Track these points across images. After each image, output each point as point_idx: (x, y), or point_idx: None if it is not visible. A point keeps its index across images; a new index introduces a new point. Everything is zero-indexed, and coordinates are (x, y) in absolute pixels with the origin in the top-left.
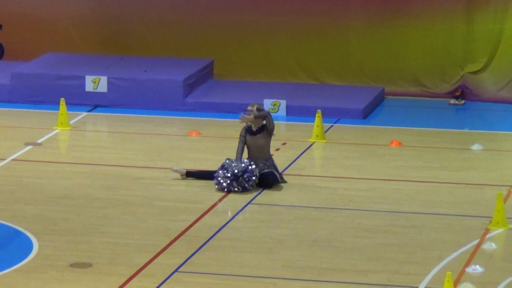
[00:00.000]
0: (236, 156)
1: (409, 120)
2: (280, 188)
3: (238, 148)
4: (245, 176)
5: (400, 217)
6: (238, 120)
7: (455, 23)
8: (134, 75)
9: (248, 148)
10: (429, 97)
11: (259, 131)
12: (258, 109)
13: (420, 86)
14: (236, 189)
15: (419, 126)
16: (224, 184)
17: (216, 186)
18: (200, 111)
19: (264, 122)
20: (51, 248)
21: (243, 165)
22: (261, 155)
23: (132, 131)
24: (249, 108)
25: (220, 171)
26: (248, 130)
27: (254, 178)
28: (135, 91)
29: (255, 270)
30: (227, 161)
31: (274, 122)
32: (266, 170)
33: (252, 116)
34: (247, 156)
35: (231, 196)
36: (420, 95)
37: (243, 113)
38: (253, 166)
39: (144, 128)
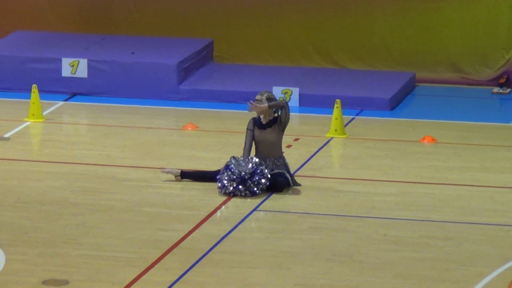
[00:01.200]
0: (243, 154)
1: (444, 112)
2: (292, 192)
3: (245, 144)
4: (254, 179)
5: (434, 226)
6: (246, 110)
7: None
8: (119, 57)
9: (256, 144)
10: (468, 84)
11: (270, 124)
12: (269, 99)
13: (458, 71)
14: (243, 194)
15: (456, 119)
16: (231, 188)
17: (220, 191)
18: (197, 101)
19: (277, 114)
20: (20, 262)
21: (250, 165)
22: (271, 153)
23: (116, 123)
24: (257, 97)
25: (225, 173)
26: (256, 123)
27: (264, 180)
28: (120, 77)
29: None
30: (232, 160)
31: None
32: (275, 171)
33: (266, 104)
34: (254, 153)
35: (234, 201)
36: (458, 83)
37: (253, 101)
38: (263, 167)
39: (130, 120)
